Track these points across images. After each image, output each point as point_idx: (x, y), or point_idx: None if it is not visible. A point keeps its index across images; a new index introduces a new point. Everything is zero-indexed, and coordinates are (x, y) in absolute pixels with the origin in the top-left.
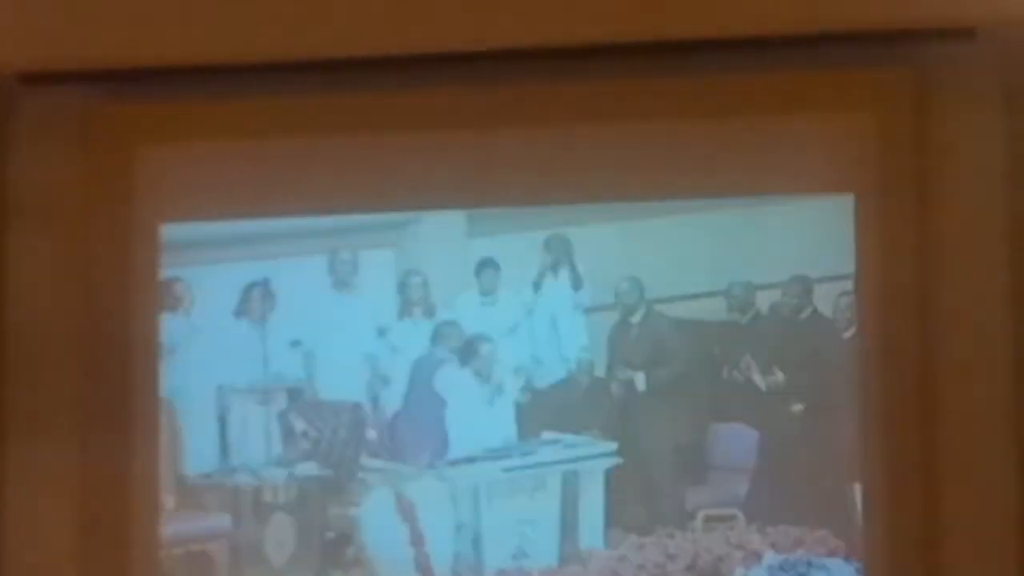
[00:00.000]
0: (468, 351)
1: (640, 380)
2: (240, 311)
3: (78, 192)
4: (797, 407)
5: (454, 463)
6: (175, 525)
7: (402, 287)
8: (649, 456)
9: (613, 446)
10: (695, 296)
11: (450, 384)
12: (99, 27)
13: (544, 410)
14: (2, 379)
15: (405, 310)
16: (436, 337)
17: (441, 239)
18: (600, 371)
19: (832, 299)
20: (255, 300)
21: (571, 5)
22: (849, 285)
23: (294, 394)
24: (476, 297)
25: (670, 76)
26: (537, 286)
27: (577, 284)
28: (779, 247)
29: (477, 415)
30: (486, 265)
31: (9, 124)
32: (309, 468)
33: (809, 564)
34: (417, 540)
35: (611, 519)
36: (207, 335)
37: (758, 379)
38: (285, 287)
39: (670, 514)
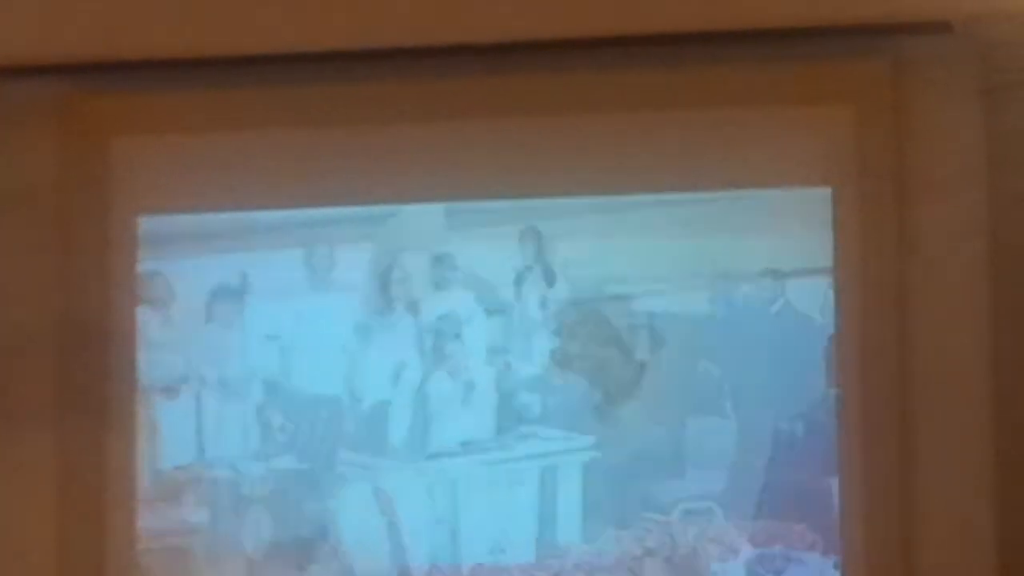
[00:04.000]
0: (438, 351)
1: (617, 373)
2: (209, 317)
3: (55, 184)
4: (774, 401)
5: (432, 457)
6: (152, 519)
7: (384, 283)
8: (626, 450)
9: (590, 440)
10: (671, 290)
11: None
12: (75, 20)
13: (521, 404)
14: None
15: (387, 306)
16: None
17: (419, 233)
18: (576, 365)
19: (813, 293)
20: (223, 304)
21: None
22: (828, 280)
23: (271, 388)
24: (434, 294)
25: (647, 69)
26: (519, 281)
27: (551, 279)
28: (756, 241)
29: (454, 411)
30: (442, 260)
31: None
32: (286, 461)
33: (787, 559)
34: (394, 534)
35: (588, 513)
36: (184, 328)
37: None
38: (262, 282)
39: (647, 508)
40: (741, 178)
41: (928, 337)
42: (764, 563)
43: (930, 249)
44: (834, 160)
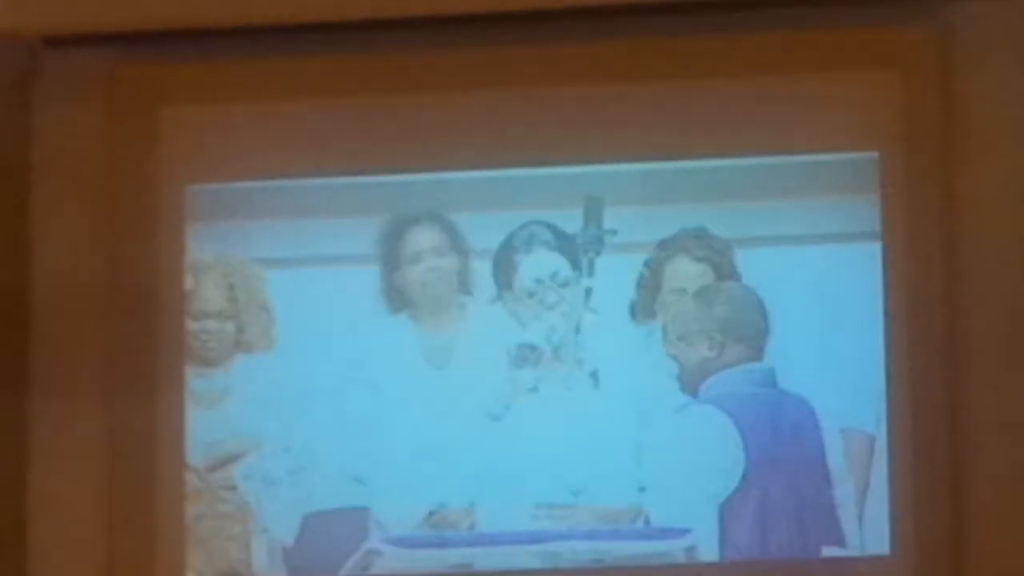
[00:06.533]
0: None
1: None
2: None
3: (103, 154)
4: None
5: None
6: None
7: None
8: None
9: None
10: None
11: None
12: None
13: None
14: (28, 341)
15: None
16: None
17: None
18: None
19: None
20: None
21: None
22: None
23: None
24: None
25: (693, 35)
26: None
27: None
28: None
29: None
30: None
31: (34, 87)
32: None
33: None
34: None
35: None
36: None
37: None
38: (315, 250)
39: None
40: (787, 143)
41: (977, 300)
42: None
43: (977, 213)
44: (881, 125)
